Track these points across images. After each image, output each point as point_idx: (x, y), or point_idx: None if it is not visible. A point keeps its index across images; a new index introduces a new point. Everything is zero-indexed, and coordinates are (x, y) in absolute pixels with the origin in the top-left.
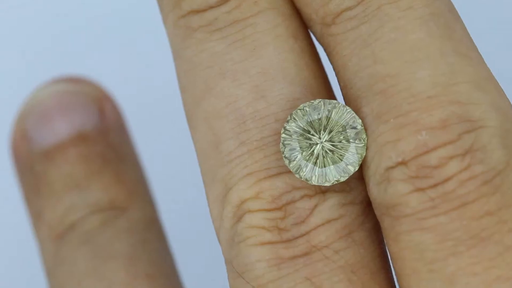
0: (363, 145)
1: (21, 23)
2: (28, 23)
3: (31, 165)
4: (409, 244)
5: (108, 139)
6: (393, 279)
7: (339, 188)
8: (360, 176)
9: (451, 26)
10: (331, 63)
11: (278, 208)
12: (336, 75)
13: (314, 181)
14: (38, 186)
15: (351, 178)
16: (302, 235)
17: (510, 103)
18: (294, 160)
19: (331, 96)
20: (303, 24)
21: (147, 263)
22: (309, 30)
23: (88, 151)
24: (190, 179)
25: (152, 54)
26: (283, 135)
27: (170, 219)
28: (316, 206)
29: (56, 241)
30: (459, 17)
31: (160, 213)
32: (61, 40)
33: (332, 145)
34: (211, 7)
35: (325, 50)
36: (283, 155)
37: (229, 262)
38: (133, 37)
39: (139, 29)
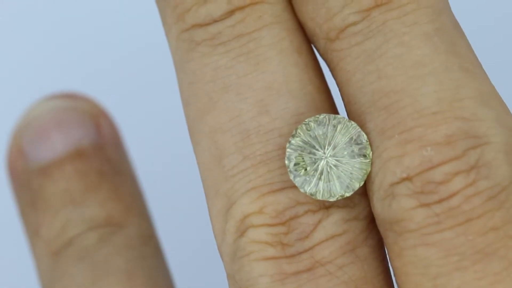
0: (368, 161)
1: (18, 37)
2: (25, 38)
3: (27, 181)
4: (413, 259)
5: (105, 154)
6: None
7: (342, 203)
8: (364, 191)
9: (456, 42)
10: (335, 78)
11: (282, 223)
12: (340, 90)
13: (319, 196)
14: (34, 202)
15: (355, 193)
16: (305, 251)
17: None
18: (299, 175)
19: (334, 111)
20: (306, 39)
21: (144, 279)
22: (312, 45)
23: (84, 167)
24: (187, 194)
25: (149, 69)
26: (288, 149)
27: (167, 234)
28: (320, 221)
29: (53, 257)
30: (463, 33)
31: (157, 229)
32: (58, 56)
33: (337, 160)
34: (215, 21)
35: (328, 65)
36: (288, 170)
37: (231, 277)
38: (131, 52)
39: (138, 44)
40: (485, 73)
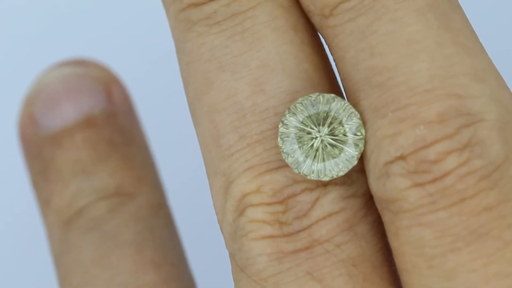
0: (362, 139)
1: (28, 5)
2: (35, 5)
3: (38, 149)
4: (409, 239)
5: (116, 123)
6: (396, 272)
7: (340, 181)
8: (361, 168)
9: (450, 16)
10: (331, 54)
11: (279, 202)
12: (336, 66)
13: (313, 176)
14: (46, 171)
15: (353, 171)
16: (303, 229)
17: (511, 94)
18: (292, 155)
19: (334, 87)
20: (304, 16)
21: (154, 250)
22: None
23: (95, 135)
24: (200, 164)
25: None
26: (281, 129)
27: (179, 204)
28: (317, 199)
29: (63, 227)
30: (458, 6)
31: (169, 198)
32: (69, 23)
33: (332, 139)
34: (210, 0)
35: (325, 41)
36: (282, 150)
37: (232, 256)
38: (143, 21)
39: (149, 14)
40: (481, 46)
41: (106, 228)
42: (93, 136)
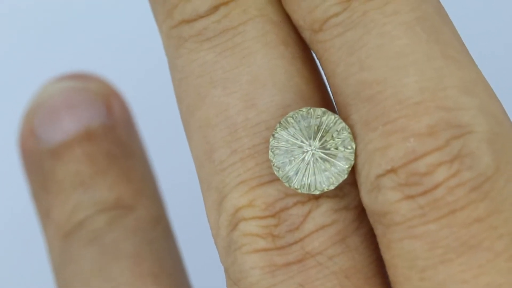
0: (352, 153)
1: (28, 17)
2: (35, 18)
3: (39, 162)
4: (400, 252)
5: (115, 136)
6: (388, 284)
7: (332, 194)
8: (354, 181)
9: (439, 29)
10: (322, 69)
11: (272, 215)
12: (327, 81)
13: (304, 190)
14: (46, 183)
15: (345, 183)
16: (296, 242)
17: (500, 104)
18: (283, 169)
19: (325, 101)
20: (294, 30)
21: (153, 262)
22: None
23: (95, 149)
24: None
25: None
26: (272, 142)
27: (178, 216)
28: (309, 212)
29: (63, 239)
30: (448, 19)
31: (168, 211)
32: (70, 37)
33: (323, 153)
34: (201, 17)
35: (316, 56)
36: (272, 164)
37: (226, 270)
38: (143, 34)
39: (148, 27)
40: (471, 58)
41: (105, 240)
42: (92, 149)
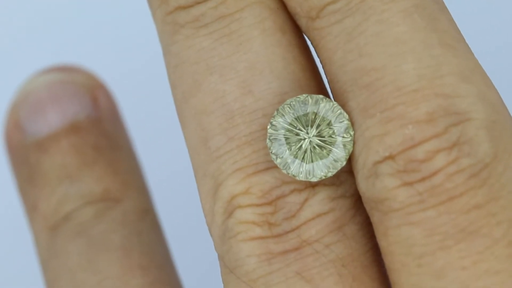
0: (350, 140)
1: (13, 10)
2: (20, 11)
3: (25, 156)
4: (397, 238)
5: (102, 128)
6: (385, 272)
7: (329, 181)
8: (350, 169)
9: (436, 17)
10: (318, 56)
11: (268, 203)
12: (323, 69)
13: (302, 177)
14: (32, 177)
15: (341, 171)
16: (292, 230)
17: (497, 93)
18: (281, 156)
19: (321, 89)
20: (291, 18)
21: (141, 254)
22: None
23: (81, 141)
24: (186, 168)
25: (148, 42)
26: (270, 130)
27: (165, 208)
28: (306, 200)
29: (50, 232)
30: (445, 7)
31: (155, 203)
32: (54, 30)
33: (320, 140)
34: (198, 3)
35: (311, 43)
36: (270, 151)
37: (221, 258)
38: (128, 26)
39: (134, 18)
40: (468, 47)
41: (93, 233)
42: (78, 141)
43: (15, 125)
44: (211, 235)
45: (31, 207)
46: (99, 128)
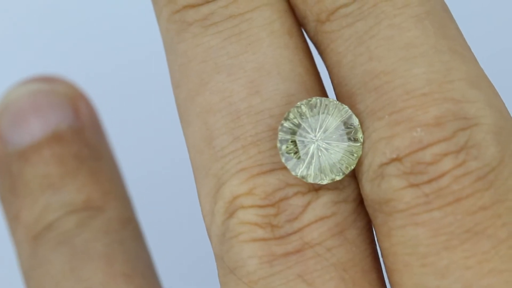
0: (359, 145)
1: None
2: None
3: (7, 165)
4: (402, 239)
5: (83, 138)
6: (383, 278)
7: (332, 186)
8: (353, 174)
9: (446, 24)
10: (324, 61)
11: (271, 205)
12: (330, 72)
13: (310, 179)
14: (14, 186)
15: (345, 176)
16: (294, 232)
17: (502, 101)
18: (290, 158)
19: (324, 92)
20: (297, 21)
21: (124, 262)
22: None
23: (63, 151)
24: (168, 177)
25: (129, 51)
26: (280, 132)
27: (147, 217)
28: (309, 203)
29: (32, 242)
30: (452, 16)
31: (137, 212)
32: (35, 38)
33: (327, 144)
34: (208, 2)
35: (318, 48)
36: (280, 152)
37: (219, 258)
38: (112, 35)
39: (118, 27)
40: (474, 56)
41: (75, 241)
42: (60, 151)
43: None
44: (209, 235)
45: (13, 217)
46: (81, 138)
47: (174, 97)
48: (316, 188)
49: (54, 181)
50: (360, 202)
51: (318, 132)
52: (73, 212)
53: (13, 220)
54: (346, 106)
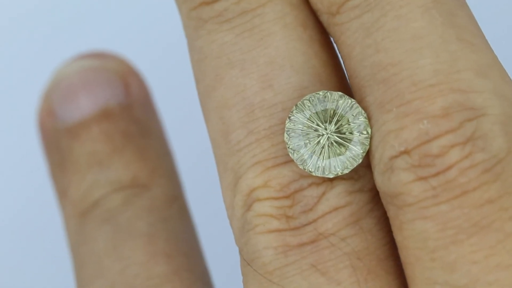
0: (367, 137)
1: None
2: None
3: (57, 141)
4: (412, 233)
5: (132, 114)
6: (401, 266)
7: (347, 175)
8: (369, 164)
9: (455, 12)
10: (339, 52)
11: (286, 196)
12: (344, 64)
13: (318, 173)
14: (63, 163)
15: (360, 166)
16: (309, 223)
17: None
18: (298, 151)
19: (343, 85)
20: (313, 13)
21: (166, 241)
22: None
23: (111, 128)
24: None
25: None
26: (288, 125)
27: (197, 195)
28: (323, 194)
29: (79, 218)
30: (465, 3)
31: (185, 189)
32: (87, 17)
33: (338, 137)
34: None
35: (333, 39)
36: (288, 146)
37: (240, 250)
38: (159, 14)
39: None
40: (487, 42)
41: (120, 219)
42: (109, 128)
43: (47, 111)
44: (232, 228)
45: (61, 193)
46: (129, 115)
47: (196, 91)
48: (331, 179)
49: (102, 158)
50: (377, 192)
51: (328, 125)
52: (119, 190)
53: (61, 196)
54: (354, 100)
